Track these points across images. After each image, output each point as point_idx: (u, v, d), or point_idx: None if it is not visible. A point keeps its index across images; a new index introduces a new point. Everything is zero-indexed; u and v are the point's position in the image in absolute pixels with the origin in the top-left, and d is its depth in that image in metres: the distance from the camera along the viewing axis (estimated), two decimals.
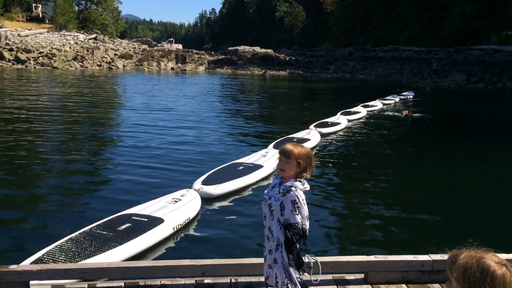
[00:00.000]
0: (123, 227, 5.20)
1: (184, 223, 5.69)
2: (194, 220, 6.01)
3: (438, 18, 48.46)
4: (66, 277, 3.43)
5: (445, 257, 1.66)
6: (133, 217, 5.49)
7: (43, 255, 4.49)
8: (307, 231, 2.71)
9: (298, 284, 2.81)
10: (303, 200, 2.69)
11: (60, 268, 3.39)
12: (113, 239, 4.90)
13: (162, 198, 6.28)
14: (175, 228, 5.49)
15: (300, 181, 2.76)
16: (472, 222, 6.54)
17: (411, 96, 25.61)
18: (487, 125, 16.95)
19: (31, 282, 3.37)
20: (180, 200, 6.17)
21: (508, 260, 1.68)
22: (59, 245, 4.72)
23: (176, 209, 5.83)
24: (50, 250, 4.61)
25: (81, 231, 5.10)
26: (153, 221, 5.40)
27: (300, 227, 2.66)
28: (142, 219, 5.45)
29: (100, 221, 5.41)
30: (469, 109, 21.07)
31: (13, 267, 3.32)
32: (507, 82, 32.50)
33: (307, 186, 2.77)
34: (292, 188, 2.69)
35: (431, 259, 3.68)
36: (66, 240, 4.84)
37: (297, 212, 2.66)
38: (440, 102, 24.36)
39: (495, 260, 1.60)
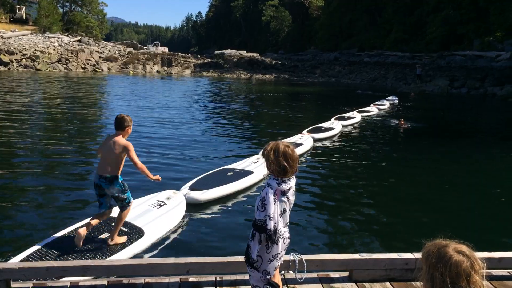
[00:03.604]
0: (104, 236, 5.02)
1: (166, 234, 5.48)
2: (178, 227, 5.85)
3: (423, 23, 49.14)
4: (48, 276, 3.37)
5: (425, 258, 1.71)
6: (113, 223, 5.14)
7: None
8: (268, 230, 2.71)
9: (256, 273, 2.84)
10: (271, 198, 2.71)
11: (42, 266, 3.33)
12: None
13: (147, 198, 6.17)
14: (155, 240, 5.30)
15: (277, 179, 2.78)
16: (456, 222, 6.62)
17: (396, 101, 25.69)
18: (470, 131, 17.20)
19: (12, 281, 3.31)
20: (165, 204, 5.98)
21: (486, 258, 1.71)
22: (31, 252, 4.54)
23: (159, 217, 5.60)
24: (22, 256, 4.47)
25: (57, 235, 4.95)
26: (134, 234, 5.16)
27: (263, 225, 2.71)
28: (123, 228, 5.21)
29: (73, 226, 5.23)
30: (453, 115, 21.37)
31: None
32: (489, 88, 33.02)
33: (284, 186, 2.77)
34: (266, 186, 2.78)
35: (414, 257, 3.72)
36: (39, 247, 4.67)
37: (263, 209, 2.71)
38: (426, 107, 24.61)
39: (457, 249, 1.62)
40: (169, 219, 5.70)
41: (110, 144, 4.79)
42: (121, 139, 4.79)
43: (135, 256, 4.90)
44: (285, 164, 2.75)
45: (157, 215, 5.67)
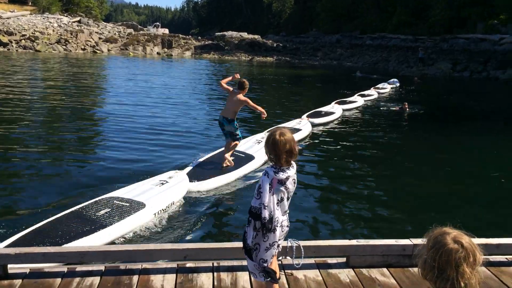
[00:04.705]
0: (104, 211, 5.12)
1: (167, 207, 5.61)
2: (176, 213, 5.84)
3: (426, 6, 48.51)
4: (45, 261, 3.37)
5: (426, 241, 1.70)
6: (115, 201, 5.41)
7: (19, 238, 4.40)
8: (263, 218, 2.68)
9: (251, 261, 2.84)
10: (267, 187, 2.68)
11: (39, 252, 3.33)
12: (94, 224, 4.83)
13: (150, 179, 6.23)
14: (156, 214, 5.43)
15: (274, 168, 2.74)
16: (455, 208, 6.62)
17: (397, 84, 25.40)
18: (473, 115, 17.09)
19: (9, 266, 3.31)
20: (167, 182, 6.07)
21: (484, 244, 1.68)
22: (37, 229, 4.62)
23: (160, 193, 5.73)
24: (27, 233, 4.51)
25: (63, 213, 5.03)
26: (135, 206, 5.34)
27: (258, 212, 2.70)
28: (125, 203, 5.36)
29: (82, 204, 5.33)
30: (456, 99, 21.22)
31: None
32: (492, 71, 32.79)
33: (281, 175, 2.72)
34: (264, 174, 2.75)
35: (412, 243, 3.71)
36: (44, 224, 4.74)
37: (259, 197, 2.70)
38: (428, 91, 24.43)
39: (456, 238, 1.59)
40: (170, 193, 5.81)
41: (233, 98, 7.26)
42: (241, 96, 7.29)
43: (134, 231, 5.06)
44: (273, 153, 2.72)
45: (159, 191, 5.78)
